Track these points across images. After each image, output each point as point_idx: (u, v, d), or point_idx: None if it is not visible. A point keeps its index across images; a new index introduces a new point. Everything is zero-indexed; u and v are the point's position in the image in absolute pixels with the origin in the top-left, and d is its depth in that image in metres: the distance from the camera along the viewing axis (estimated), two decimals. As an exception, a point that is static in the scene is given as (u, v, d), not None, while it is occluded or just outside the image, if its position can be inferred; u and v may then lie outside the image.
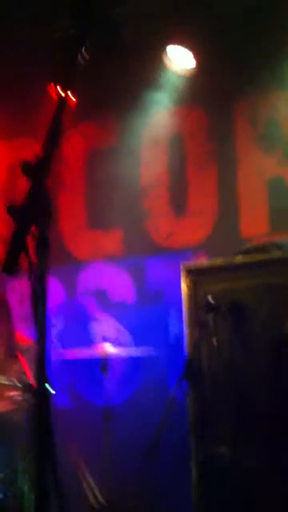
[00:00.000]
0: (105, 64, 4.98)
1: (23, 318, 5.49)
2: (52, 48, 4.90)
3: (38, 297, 1.68)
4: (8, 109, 5.56)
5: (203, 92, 4.91)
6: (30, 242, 1.65)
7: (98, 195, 5.42)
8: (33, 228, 1.63)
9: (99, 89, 5.19)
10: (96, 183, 5.45)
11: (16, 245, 1.57)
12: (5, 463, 3.94)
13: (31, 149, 5.69)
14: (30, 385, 3.66)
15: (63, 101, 1.85)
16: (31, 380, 3.69)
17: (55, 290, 5.39)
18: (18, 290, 5.56)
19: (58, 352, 5.25)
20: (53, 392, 3.92)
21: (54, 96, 5.34)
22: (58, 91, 5.13)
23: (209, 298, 3.70)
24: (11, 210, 1.61)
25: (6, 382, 3.80)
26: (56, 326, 5.39)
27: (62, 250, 5.45)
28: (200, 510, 3.65)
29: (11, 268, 1.57)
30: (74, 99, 5.41)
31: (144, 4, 4.73)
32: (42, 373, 1.67)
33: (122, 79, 5.07)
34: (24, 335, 4.56)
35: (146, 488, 4.44)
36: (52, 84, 5.25)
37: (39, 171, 1.66)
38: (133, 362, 4.96)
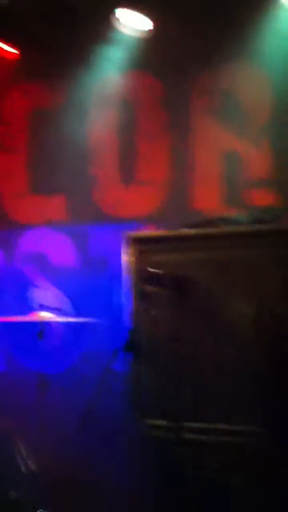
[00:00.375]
0: (53, 21, 4.79)
1: None
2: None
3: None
4: None
5: (158, 58, 4.77)
6: None
7: (42, 158, 5.25)
8: None
9: (45, 47, 5.00)
10: (39, 145, 5.26)
11: None
12: None
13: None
14: None
15: None
16: None
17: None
18: None
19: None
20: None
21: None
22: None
23: (151, 268, 3.65)
24: None
25: None
26: (-7, 290, 5.25)
27: (1, 214, 5.28)
28: (132, 478, 3.65)
29: None
30: (15, 52, 5.19)
31: None
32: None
33: (70, 36, 4.87)
34: None
35: (79, 458, 4.41)
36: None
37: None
38: (73, 330, 4.89)
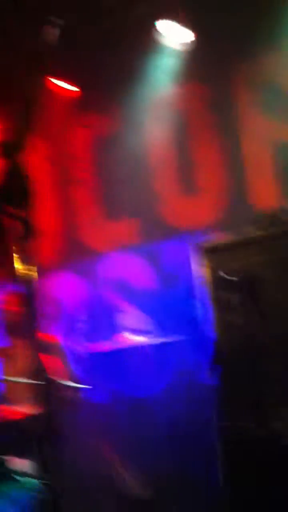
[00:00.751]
0: (99, 54, 4.88)
1: (45, 315, 5.44)
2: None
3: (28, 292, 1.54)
4: (8, 111, 5.48)
5: (199, 64, 4.75)
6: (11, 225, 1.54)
7: (109, 184, 5.32)
8: (11, 210, 1.52)
9: (96, 79, 5.09)
10: (105, 172, 5.35)
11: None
12: (43, 465, 3.90)
13: (38, 147, 5.62)
14: (54, 383, 3.58)
15: (35, 81, 1.71)
16: (55, 378, 3.63)
17: (75, 284, 5.31)
18: (43, 288, 5.52)
19: (86, 347, 5.18)
20: (81, 386, 3.87)
21: (56, 91, 5.26)
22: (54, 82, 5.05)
23: (227, 276, 3.58)
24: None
25: (34, 382, 3.74)
26: (80, 320, 5.31)
27: (78, 244, 5.37)
28: (228, 486, 3.56)
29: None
30: (73, 88, 5.32)
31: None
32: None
33: (117, 64, 4.95)
34: (47, 333, 4.51)
35: (174, 474, 4.35)
36: (53, 78, 5.18)
37: (11, 150, 1.54)
38: (161, 350, 4.85)
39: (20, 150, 1.54)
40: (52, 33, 1.92)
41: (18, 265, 1.55)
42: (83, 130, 5.48)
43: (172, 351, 4.79)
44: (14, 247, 1.52)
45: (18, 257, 1.55)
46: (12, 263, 1.52)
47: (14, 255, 1.53)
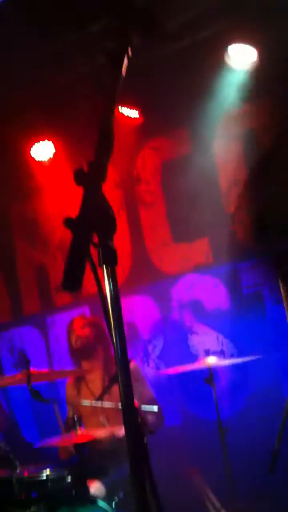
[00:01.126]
0: (166, 76, 4.90)
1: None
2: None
3: (113, 318, 1.53)
4: (76, 135, 5.58)
5: (268, 82, 4.70)
6: (94, 255, 1.54)
7: (179, 206, 5.30)
8: (95, 240, 1.52)
9: (164, 102, 5.11)
10: (175, 194, 5.34)
11: (76, 258, 1.46)
12: (122, 485, 3.88)
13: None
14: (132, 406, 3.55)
15: (111, 104, 1.70)
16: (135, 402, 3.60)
17: (149, 307, 5.30)
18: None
19: (161, 370, 5.15)
20: (155, 410, 3.82)
21: (120, 117, 5.30)
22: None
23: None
24: (68, 222, 1.50)
25: (113, 406, 3.75)
26: (155, 344, 5.29)
27: (150, 267, 5.37)
28: None
29: (72, 284, 1.45)
30: (137, 114, 5.35)
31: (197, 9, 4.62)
32: (129, 396, 1.53)
33: (184, 86, 4.95)
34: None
35: (267, 497, 4.22)
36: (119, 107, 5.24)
37: (92, 177, 1.54)
38: (239, 371, 4.77)
39: (103, 177, 1.54)
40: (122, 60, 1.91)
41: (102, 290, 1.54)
42: (151, 153, 5.51)
43: (248, 371, 4.70)
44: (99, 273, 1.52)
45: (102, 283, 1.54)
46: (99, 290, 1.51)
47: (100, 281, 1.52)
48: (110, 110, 1.69)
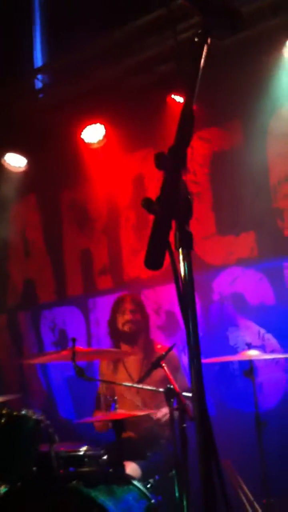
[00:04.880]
0: (223, 66, 4.88)
1: (159, 327, 5.49)
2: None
3: (187, 302, 1.56)
4: (129, 122, 5.61)
5: None
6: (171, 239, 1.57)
7: (226, 199, 5.30)
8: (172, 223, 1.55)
9: (219, 92, 5.09)
10: (222, 187, 5.33)
11: (158, 239, 1.50)
12: (158, 468, 3.93)
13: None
14: (174, 391, 3.61)
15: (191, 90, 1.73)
16: (175, 387, 3.66)
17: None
18: (153, 299, 5.58)
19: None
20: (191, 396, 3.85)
21: (174, 106, 5.32)
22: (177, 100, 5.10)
23: None
24: (148, 203, 1.54)
25: (155, 390, 3.80)
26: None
27: (193, 257, 5.37)
28: None
29: (154, 263, 1.49)
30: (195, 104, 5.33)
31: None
32: (200, 384, 1.55)
33: (239, 78, 4.94)
34: (162, 344, 4.55)
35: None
36: (172, 94, 5.26)
37: (173, 161, 1.57)
38: (279, 367, 4.77)
39: (184, 162, 1.57)
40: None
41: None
42: (202, 143, 5.50)
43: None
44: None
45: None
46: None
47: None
48: (191, 97, 1.71)
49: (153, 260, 1.49)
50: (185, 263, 1.58)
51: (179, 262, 1.60)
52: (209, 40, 1.93)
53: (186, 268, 1.59)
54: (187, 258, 1.59)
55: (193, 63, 1.83)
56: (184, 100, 1.73)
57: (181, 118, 1.65)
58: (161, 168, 1.57)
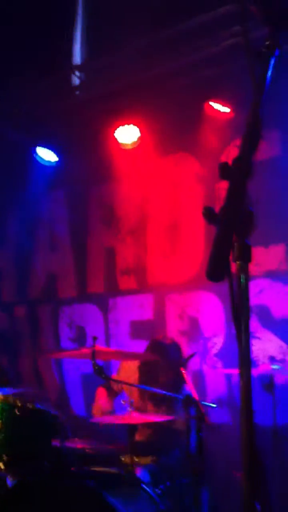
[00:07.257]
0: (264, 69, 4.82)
1: (181, 332, 5.46)
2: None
3: (242, 314, 1.54)
4: (164, 125, 5.58)
5: None
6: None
7: (258, 209, 5.23)
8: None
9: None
10: (255, 196, 5.27)
11: (221, 251, 1.47)
12: (170, 474, 3.91)
13: (189, 163, 5.67)
14: (193, 399, 3.58)
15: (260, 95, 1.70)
16: (194, 394, 3.63)
17: (213, 305, 5.29)
18: (178, 303, 5.55)
19: (220, 371, 5.14)
20: (214, 406, 3.83)
21: (211, 113, 5.28)
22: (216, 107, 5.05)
23: None
24: (209, 212, 1.51)
25: (175, 395, 3.78)
26: (214, 342, 5.28)
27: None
28: None
29: (216, 275, 1.47)
30: (228, 110, 5.30)
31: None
32: (248, 399, 1.52)
33: (281, 87, 4.87)
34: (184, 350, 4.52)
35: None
36: (210, 100, 5.22)
37: (237, 171, 1.55)
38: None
39: (249, 173, 1.54)
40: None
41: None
42: (237, 151, 5.45)
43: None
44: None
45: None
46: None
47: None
48: (258, 106, 1.69)
49: (214, 272, 1.46)
50: (242, 276, 1.55)
51: (236, 275, 1.57)
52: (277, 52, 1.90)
53: (243, 280, 1.56)
54: (244, 271, 1.56)
55: (261, 73, 1.80)
56: (250, 109, 1.70)
57: (247, 128, 1.62)
58: (226, 178, 1.54)
